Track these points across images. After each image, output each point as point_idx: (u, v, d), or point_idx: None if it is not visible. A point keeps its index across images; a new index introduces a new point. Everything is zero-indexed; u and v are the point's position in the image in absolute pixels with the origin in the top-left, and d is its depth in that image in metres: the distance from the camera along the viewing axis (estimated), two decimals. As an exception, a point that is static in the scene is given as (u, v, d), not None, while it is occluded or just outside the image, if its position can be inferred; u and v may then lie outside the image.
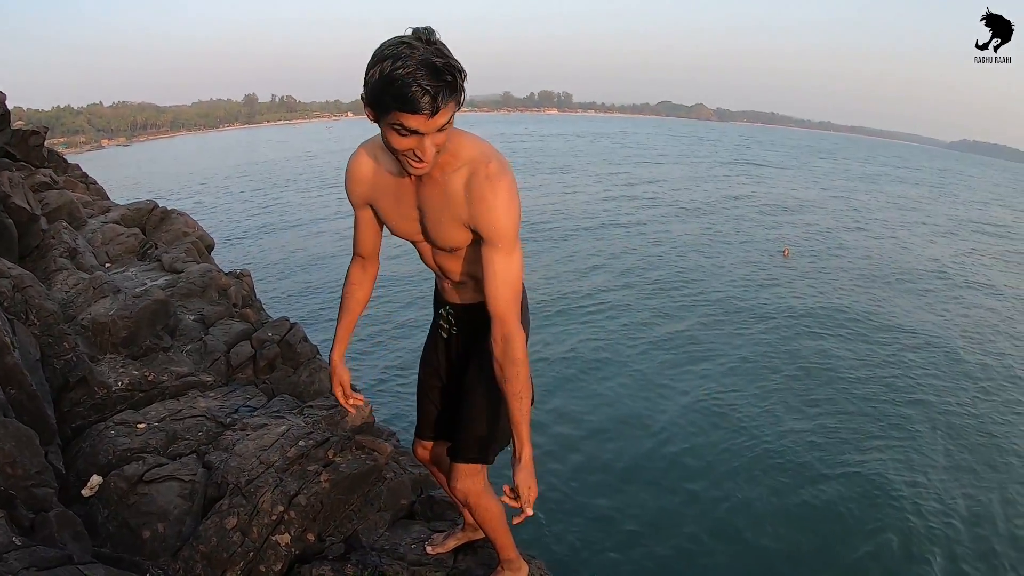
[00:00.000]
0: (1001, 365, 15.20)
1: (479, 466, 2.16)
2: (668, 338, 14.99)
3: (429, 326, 2.33)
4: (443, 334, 2.24)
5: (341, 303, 2.21)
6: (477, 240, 1.79)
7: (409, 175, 1.76)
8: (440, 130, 1.52)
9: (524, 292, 2.09)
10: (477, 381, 2.11)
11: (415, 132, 1.50)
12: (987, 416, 12.52)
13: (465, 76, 1.47)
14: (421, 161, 1.58)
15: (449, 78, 1.43)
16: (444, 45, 1.47)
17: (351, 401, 2.27)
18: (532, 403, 1.93)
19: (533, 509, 1.86)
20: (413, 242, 1.98)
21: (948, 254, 28.14)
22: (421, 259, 2.07)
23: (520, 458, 1.84)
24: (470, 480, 2.17)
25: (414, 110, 1.44)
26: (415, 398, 2.42)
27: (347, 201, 1.99)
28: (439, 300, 2.22)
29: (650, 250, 24.32)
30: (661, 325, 15.91)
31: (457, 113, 1.56)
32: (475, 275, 1.91)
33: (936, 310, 19.43)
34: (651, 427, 10.91)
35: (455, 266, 1.96)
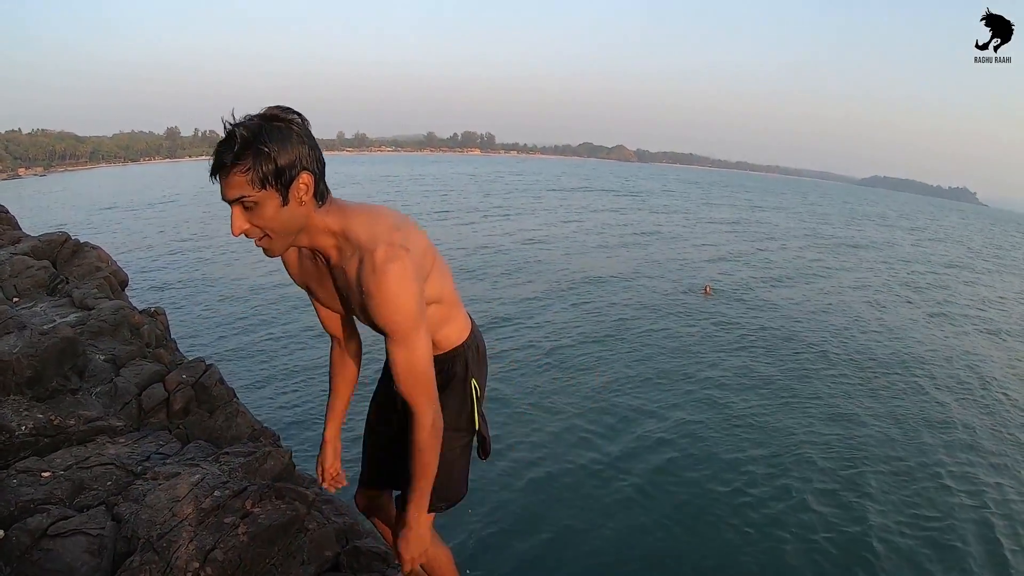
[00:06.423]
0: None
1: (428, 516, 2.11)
2: (601, 382, 14.98)
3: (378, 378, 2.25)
4: None
5: (329, 389, 2.20)
6: None
7: (322, 261, 1.76)
8: (247, 207, 1.49)
9: (479, 342, 2.10)
10: None
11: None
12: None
13: (269, 151, 1.44)
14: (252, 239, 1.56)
15: (236, 146, 1.43)
16: (284, 121, 1.48)
17: (330, 481, 2.27)
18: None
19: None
20: None
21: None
22: None
23: (409, 522, 1.87)
24: None
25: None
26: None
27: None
28: None
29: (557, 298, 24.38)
30: (595, 368, 15.90)
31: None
32: None
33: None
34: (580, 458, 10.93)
35: None
